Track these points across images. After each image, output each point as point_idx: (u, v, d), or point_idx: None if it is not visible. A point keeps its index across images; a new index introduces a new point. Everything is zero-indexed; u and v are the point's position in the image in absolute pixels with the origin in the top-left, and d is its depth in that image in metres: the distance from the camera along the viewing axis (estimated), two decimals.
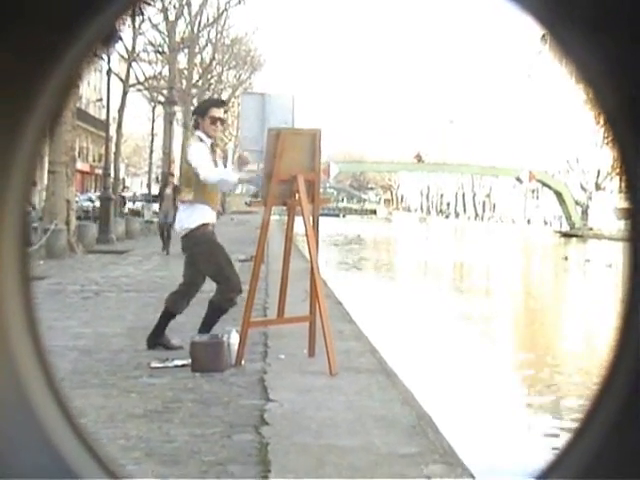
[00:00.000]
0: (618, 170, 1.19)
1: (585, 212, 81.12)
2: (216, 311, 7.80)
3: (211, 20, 49.14)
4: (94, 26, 1.17)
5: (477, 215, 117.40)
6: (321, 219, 8.06)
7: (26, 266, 1.27)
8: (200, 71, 50.46)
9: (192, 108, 50.03)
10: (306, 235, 7.64)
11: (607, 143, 1.20)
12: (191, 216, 7.80)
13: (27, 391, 1.23)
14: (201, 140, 7.86)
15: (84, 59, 1.23)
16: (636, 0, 1.10)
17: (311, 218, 7.71)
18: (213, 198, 7.98)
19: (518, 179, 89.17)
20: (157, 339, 8.03)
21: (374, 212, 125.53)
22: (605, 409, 1.20)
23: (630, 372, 1.18)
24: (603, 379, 1.22)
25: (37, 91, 1.17)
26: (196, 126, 8.06)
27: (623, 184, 1.19)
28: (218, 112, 7.96)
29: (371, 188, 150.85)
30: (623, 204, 1.21)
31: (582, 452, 1.22)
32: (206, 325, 7.75)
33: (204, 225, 7.79)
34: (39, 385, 1.26)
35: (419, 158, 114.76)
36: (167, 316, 8.02)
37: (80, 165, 51.68)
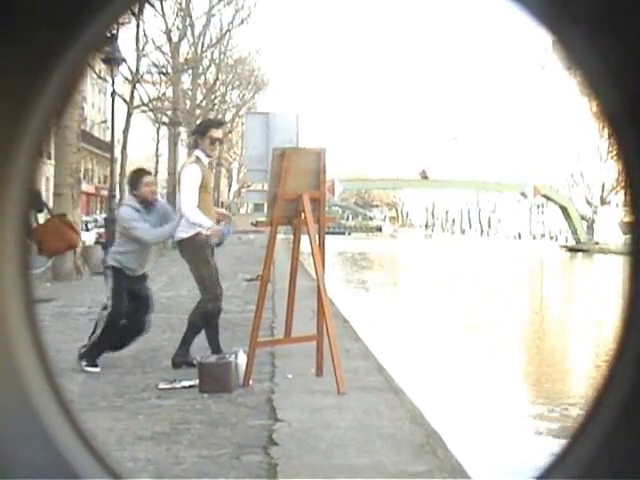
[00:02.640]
0: (621, 171, 1.19)
1: (591, 226, 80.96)
2: (192, 327, 8.15)
3: (214, 41, 49.32)
4: (93, 28, 1.18)
5: (482, 231, 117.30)
6: (327, 237, 8.07)
7: (26, 271, 1.28)
8: (204, 91, 50.60)
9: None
10: (312, 254, 7.64)
11: (609, 143, 1.20)
12: (184, 225, 8.02)
13: (29, 393, 1.24)
14: (199, 159, 8.12)
15: (83, 61, 1.24)
16: (638, 1, 1.11)
17: (317, 237, 7.71)
18: (208, 210, 8.18)
19: (523, 194, 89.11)
20: (183, 358, 8.13)
21: (380, 229, 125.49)
22: (605, 410, 1.20)
23: (629, 374, 1.18)
24: (603, 381, 1.23)
25: (38, 91, 1.17)
26: (195, 145, 8.37)
27: (626, 188, 1.19)
28: (217, 133, 8.30)
29: (376, 205, 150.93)
30: (628, 216, 1.21)
31: (582, 452, 1.22)
32: (184, 343, 8.10)
33: (196, 235, 8.01)
34: (41, 387, 1.27)
35: (424, 175, 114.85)
36: (192, 332, 8.19)
37: (85, 187, 51.83)
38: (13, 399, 1.22)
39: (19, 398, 1.23)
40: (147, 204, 8.26)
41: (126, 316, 8.17)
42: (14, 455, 1.21)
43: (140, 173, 8.63)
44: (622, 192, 1.21)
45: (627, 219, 1.22)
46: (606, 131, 1.20)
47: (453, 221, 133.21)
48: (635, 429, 1.16)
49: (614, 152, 1.19)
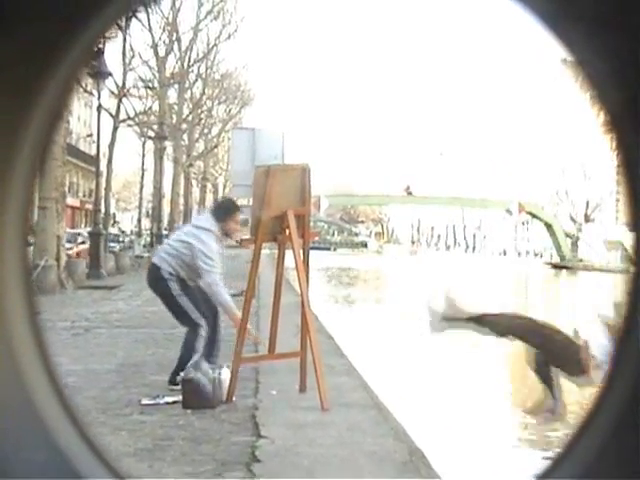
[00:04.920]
0: (621, 170, 1.20)
1: (575, 244, 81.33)
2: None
3: (201, 55, 49.42)
4: (81, 42, 1.18)
5: (468, 247, 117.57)
6: (312, 253, 8.07)
7: (27, 270, 1.28)
8: (190, 106, 50.62)
9: (182, 143, 50.23)
10: (296, 269, 7.64)
11: (611, 144, 1.20)
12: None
13: (31, 393, 1.24)
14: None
15: (82, 65, 1.24)
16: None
17: (301, 252, 7.72)
18: None
19: (508, 211, 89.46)
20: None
21: (365, 245, 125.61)
22: (605, 411, 1.21)
23: (630, 376, 1.19)
24: (604, 383, 1.23)
25: (37, 93, 1.18)
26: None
27: (627, 187, 1.20)
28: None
29: (362, 221, 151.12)
30: (627, 215, 1.21)
31: (582, 453, 1.22)
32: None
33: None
34: (43, 387, 1.27)
35: (408, 191, 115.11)
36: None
37: (70, 200, 51.66)
38: (15, 399, 1.23)
39: (21, 397, 1.23)
40: (225, 237, 7.96)
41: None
42: (16, 454, 1.21)
43: (237, 207, 8.23)
44: (608, 209, 1.22)
45: (626, 219, 1.22)
46: (606, 119, 1.20)
47: (438, 237, 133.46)
48: (636, 430, 1.17)
49: (615, 151, 1.20)
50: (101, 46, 23.15)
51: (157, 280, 7.91)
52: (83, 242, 32.35)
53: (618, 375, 1.22)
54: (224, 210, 8.02)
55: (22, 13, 1.14)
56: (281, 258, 7.94)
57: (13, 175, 1.21)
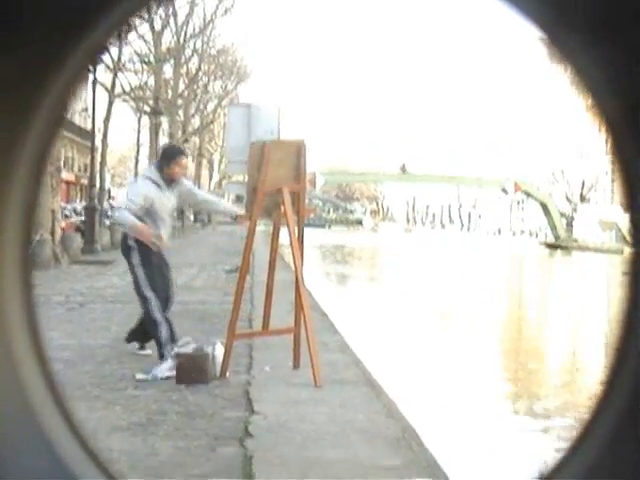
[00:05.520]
0: (618, 177, 1.20)
1: (570, 224, 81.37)
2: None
3: (197, 30, 49.18)
4: (90, 38, 1.18)
5: (463, 226, 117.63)
6: (307, 230, 8.07)
7: (28, 277, 1.28)
8: (186, 81, 50.44)
9: (177, 118, 50.07)
10: (291, 246, 7.65)
11: (609, 149, 1.20)
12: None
13: (29, 396, 1.25)
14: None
15: (82, 69, 1.24)
16: (637, 8, 1.11)
17: (296, 229, 7.72)
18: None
19: (504, 190, 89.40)
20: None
21: (360, 223, 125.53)
22: (606, 414, 1.21)
23: (630, 378, 1.19)
24: (605, 385, 1.23)
25: (38, 98, 1.18)
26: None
27: (624, 192, 1.20)
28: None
29: (357, 199, 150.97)
30: (627, 217, 1.21)
31: (585, 455, 1.23)
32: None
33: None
34: (40, 390, 1.27)
35: (404, 169, 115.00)
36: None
37: (65, 175, 51.53)
38: (13, 404, 1.23)
39: (19, 403, 1.23)
40: (170, 181, 8.07)
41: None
42: (14, 459, 1.21)
43: (178, 152, 8.43)
44: (603, 190, 1.21)
45: (627, 222, 1.22)
46: (603, 126, 1.20)
47: (433, 216, 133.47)
48: (637, 431, 1.17)
49: (613, 158, 1.20)
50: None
51: (124, 249, 8.14)
52: (67, 216, 32.14)
53: (619, 378, 1.22)
54: (167, 156, 8.20)
55: (21, 27, 1.14)
56: (276, 235, 7.94)
57: (14, 179, 1.21)
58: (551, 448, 8.20)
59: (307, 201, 8.36)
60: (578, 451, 1.26)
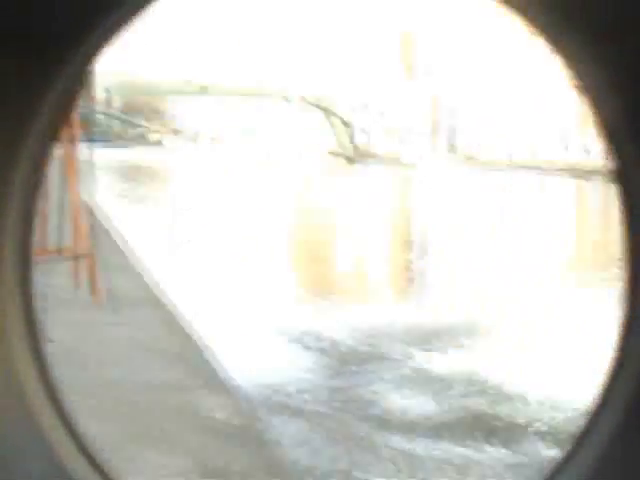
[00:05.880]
0: (618, 179, 1.23)
1: (351, 133, 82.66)
2: None
3: None
4: (90, 42, 1.19)
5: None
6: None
7: (28, 277, 1.26)
8: None
9: None
10: (66, 164, 7.42)
11: (606, 152, 1.23)
12: None
13: (28, 400, 1.25)
14: None
15: (82, 73, 1.25)
16: (637, 11, 1.14)
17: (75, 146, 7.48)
18: None
19: (285, 99, 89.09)
20: None
21: (145, 138, 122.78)
22: (607, 414, 1.26)
23: (631, 380, 1.24)
24: (605, 385, 1.27)
25: (39, 101, 1.18)
26: None
27: (622, 195, 1.23)
28: None
29: (146, 114, 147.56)
30: (624, 220, 1.23)
31: (585, 457, 1.26)
32: None
33: None
34: (40, 394, 1.28)
35: (188, 82, 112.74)
36: None
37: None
38: (13, 409, 1.22)
39: (19, 404, 1.23)
40: None
41: None
42: (14, 463, 1.21)
43: None
44: (621, 194, 1.23)
45: (623, 224, 1.25)
46: (601, 128, 1.22)
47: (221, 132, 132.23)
48: (638, 434, 1.22)
49: (610, 158, 1.22)
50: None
51: None
52: None
53: (619, 380, 1.26)
54: None
55: (19, 34, 1.13)
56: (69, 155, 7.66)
57: (15, 182, 1.19)
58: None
59: (90, 116, 8.11)
60: (579, 453, 1.28)
